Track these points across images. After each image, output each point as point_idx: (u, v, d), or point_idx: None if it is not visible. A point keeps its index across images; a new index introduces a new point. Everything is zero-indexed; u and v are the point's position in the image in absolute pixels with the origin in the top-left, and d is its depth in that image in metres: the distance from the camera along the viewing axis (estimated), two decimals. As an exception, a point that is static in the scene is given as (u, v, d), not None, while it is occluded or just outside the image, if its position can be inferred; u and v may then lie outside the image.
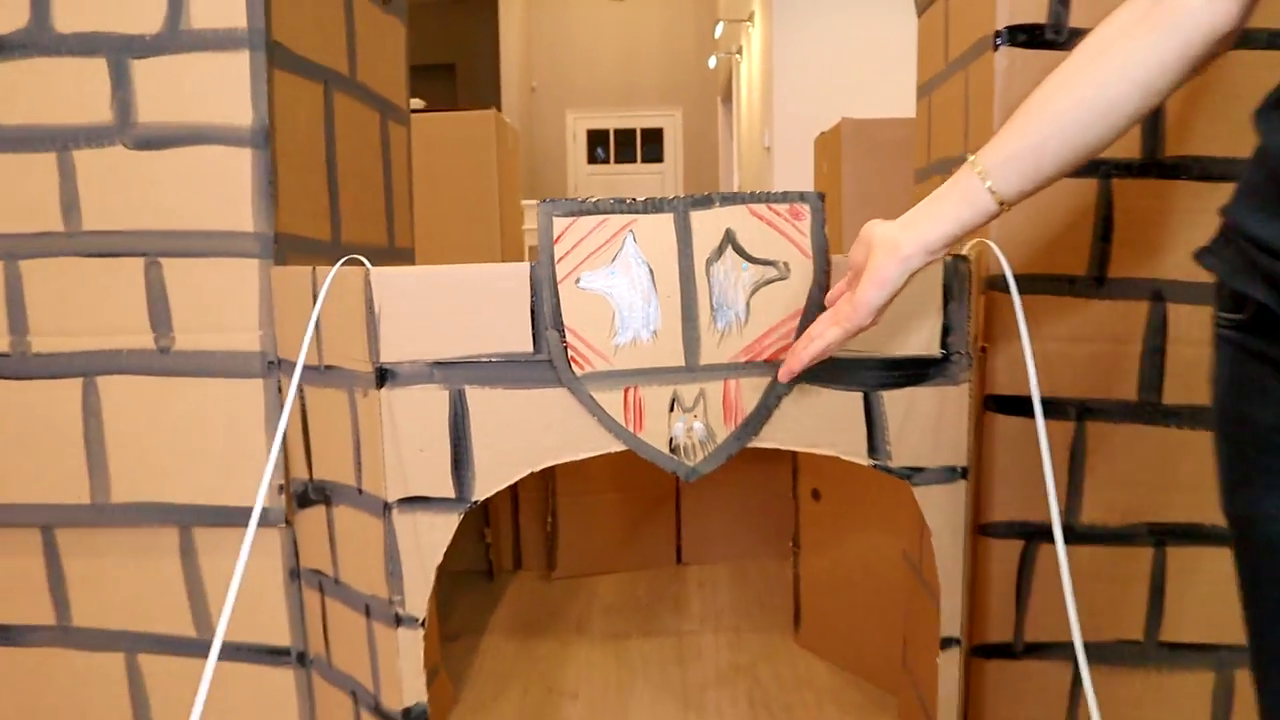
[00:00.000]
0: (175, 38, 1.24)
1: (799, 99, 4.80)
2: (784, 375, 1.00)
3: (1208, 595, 1.33)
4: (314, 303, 1.12)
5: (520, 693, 2.01)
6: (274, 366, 1.26)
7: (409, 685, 1.10)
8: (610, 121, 10.32)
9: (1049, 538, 1.27)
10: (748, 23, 6.16)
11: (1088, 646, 1.22)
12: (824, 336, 0.92)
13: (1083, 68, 0.79)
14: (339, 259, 1.16)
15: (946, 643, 1.17)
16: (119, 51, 1.25)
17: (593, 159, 10.39)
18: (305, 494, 1.25)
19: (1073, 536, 1.31)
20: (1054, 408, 1.29)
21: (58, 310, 1.29)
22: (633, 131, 10.34)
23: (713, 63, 8.54)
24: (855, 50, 4.75)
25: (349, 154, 1.50)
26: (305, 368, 1.17)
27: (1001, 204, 0.84)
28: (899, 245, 0.86)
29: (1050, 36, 1.24)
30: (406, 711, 1.11)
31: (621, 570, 2.65)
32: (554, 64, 10.42)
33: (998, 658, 1.36)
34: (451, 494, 1.06)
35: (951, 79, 1.47)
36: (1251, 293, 0.72)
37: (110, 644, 1.36)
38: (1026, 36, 1.24)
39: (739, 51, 6.85)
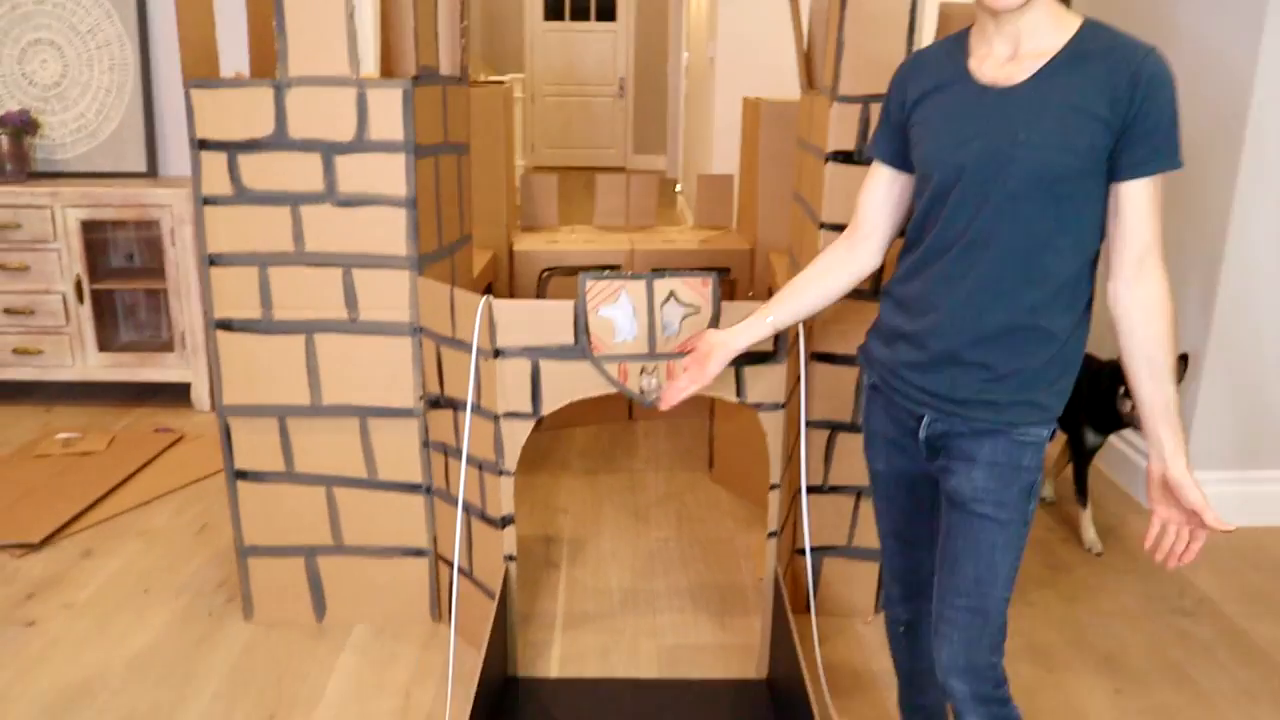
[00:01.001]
0: (362, 143, 2.17)
1: (744, 7, 5.53)
2: (664, 405, 1.82)
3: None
4: (450, 309, 2.10)
5: (529, 509, 3.10)
6: (417, 331, 2.25)
7: (505, 504, 2.15)
8: (566, -20, 10.81)
9: (845, 429, 2.34)
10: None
11: (851, 488, 2.31)
12: (685, 389, 1.76)
13: (812, 279, 1.67)
14: (444, 256, 2.13)
15: (773, 486, 2.24)
16: (329, 150, 2.17)
17: (549, 16, 10.91)
18: (437, 401, 2.27)
19: (856, 428, 2.38)
20: (840, 359, 2.33)
21: (290, 294, 2.26)
22: (587, -9, 10.86)
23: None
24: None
25: (445, 190, 2.44)
26: (441, 338, 2.16)
27: (774, 329, 1.71)
28: (726, 346, 1.72)
29: (856, 159, 2.21)
30: (504, 518, 2.16)
31: (590, 424, 3.72)
32: (513, -81, 10.79)
33: (815, 494, 2.44)
34: (529, 410, 2.09)
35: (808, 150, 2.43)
36: (868, 373, 1.64)
37: (317, 482, 2.39)
38: (843, 157, 2.22)
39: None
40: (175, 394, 4.06)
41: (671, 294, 1.99)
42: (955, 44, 1.51)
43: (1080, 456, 2.91)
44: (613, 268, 3.47)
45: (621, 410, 3.76)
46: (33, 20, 3.96)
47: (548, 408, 2.09)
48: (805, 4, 2.68)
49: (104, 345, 3.91)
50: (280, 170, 2.17)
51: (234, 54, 2.53)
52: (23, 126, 3.91)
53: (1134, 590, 2.69)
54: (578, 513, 3.08)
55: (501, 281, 3.51)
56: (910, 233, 1.55)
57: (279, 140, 2.16)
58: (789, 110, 3.29)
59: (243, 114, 2.15)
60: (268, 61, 2.43)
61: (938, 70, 1.50)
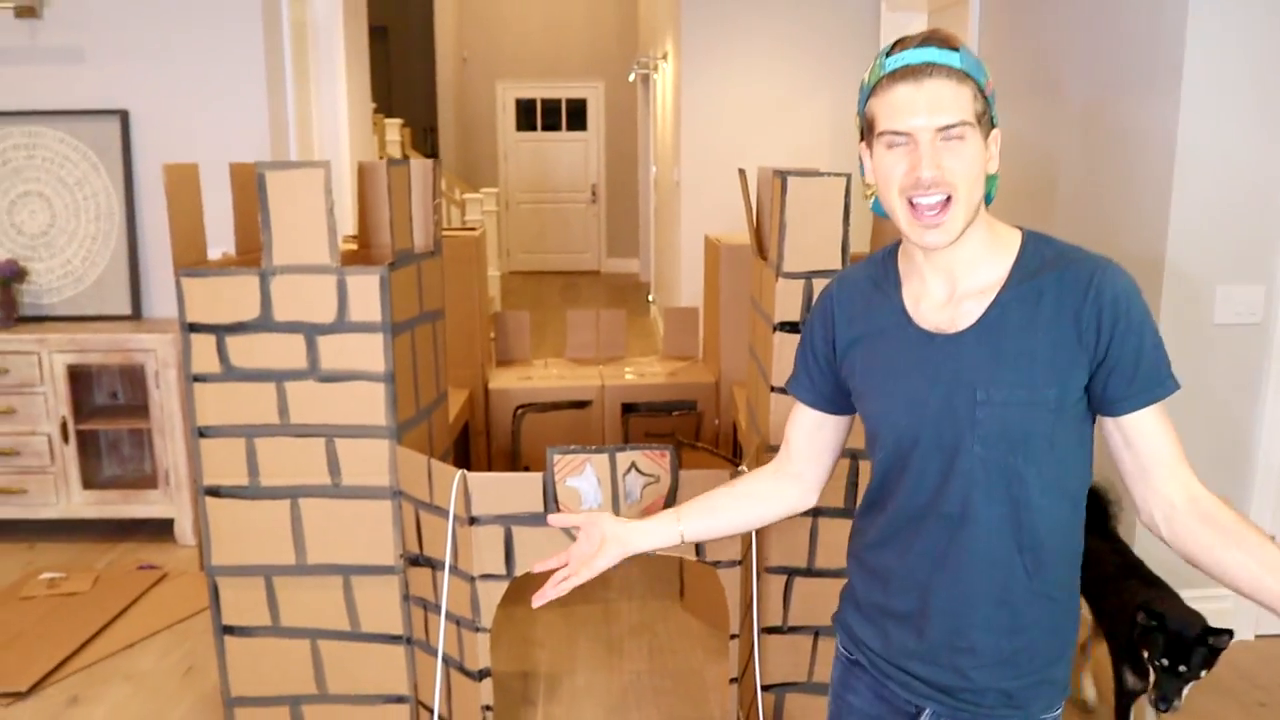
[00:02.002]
0: (343, 324, 2.34)
1: (705, 141, 5.81)
2: (537, 601, 1.46)
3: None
4: (429, 478, 2.25)
5: (506, 643, 3.21)
6: (397, 494, 2.39)
7: (482, 658, 2.28)
8: (538, 91, 11.21)
9: (802, 574, 2.49)
10: (661, 60, 7.16)
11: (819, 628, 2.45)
12: (568, 583, 1.44)
13: (733, 502, 1.50)
14: (422, 419, 2.28)
15: (733, 636, 2.38)
16: (311, 331, 2.34)
17: (521, 127, 11.27)
18: (416, 559, 2.41)
19: (812, 573, 2.52)
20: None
21: (275, 462, 2.40)
22: (558, 101, 11.25)
23: (631, 77, 9.47)
24: (756, 97, 5.78)
25: (421, 358, 2.60)
26: (420, 503, 2.31)
27: (683, 538, 1.48)
28: (621, 542, 1.45)
29: (801, 330, 2.40)
30: (481, 672, 2.28)
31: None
32: (484, 35, 11.21)
33: (775, 634, 2.58)
34: (504, 572, 2.23)
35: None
36: (849, 648, 1.46)
37: (302, 635, 2.51)
38: (790, 327, 2.40)
39: (655, 69, 7.83)
40: (158, 529, 4.15)
41: (633, 465, 2.15)
42: (883, 271, 1.37)
43: (1123, 695, 2.53)
44: (584, 404, 3.64)
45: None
46: (22, 174, 4.15)
47: (520, 570, 2.23)
48: (753, 179, 2.90)
49: (88, 483, 4.01)
50: (266, 350, 2.34)
51: (222, 230, 2.72)
52: (12, 275, 4.06)
53: None
54: (553, 646, 3.19)
55: (478, 419, 3.67)
56: (872, 492, 1.40)
57: (265, 322, 2.33)
58: (748, 253, 3.48)
59: (230, 299, 2.32)
60: (252, 240, 2.61)
61: (868, 307, 1.36)
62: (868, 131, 1.28)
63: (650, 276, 9.25)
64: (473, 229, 3.90)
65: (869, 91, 1.26)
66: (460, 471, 2.16)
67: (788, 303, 2.37)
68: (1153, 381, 1.23)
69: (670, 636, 3.27)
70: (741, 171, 2.85)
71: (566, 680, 3.01)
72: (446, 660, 2.38)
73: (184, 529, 4.05)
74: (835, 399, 1.44)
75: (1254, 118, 2.92)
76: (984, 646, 1.30)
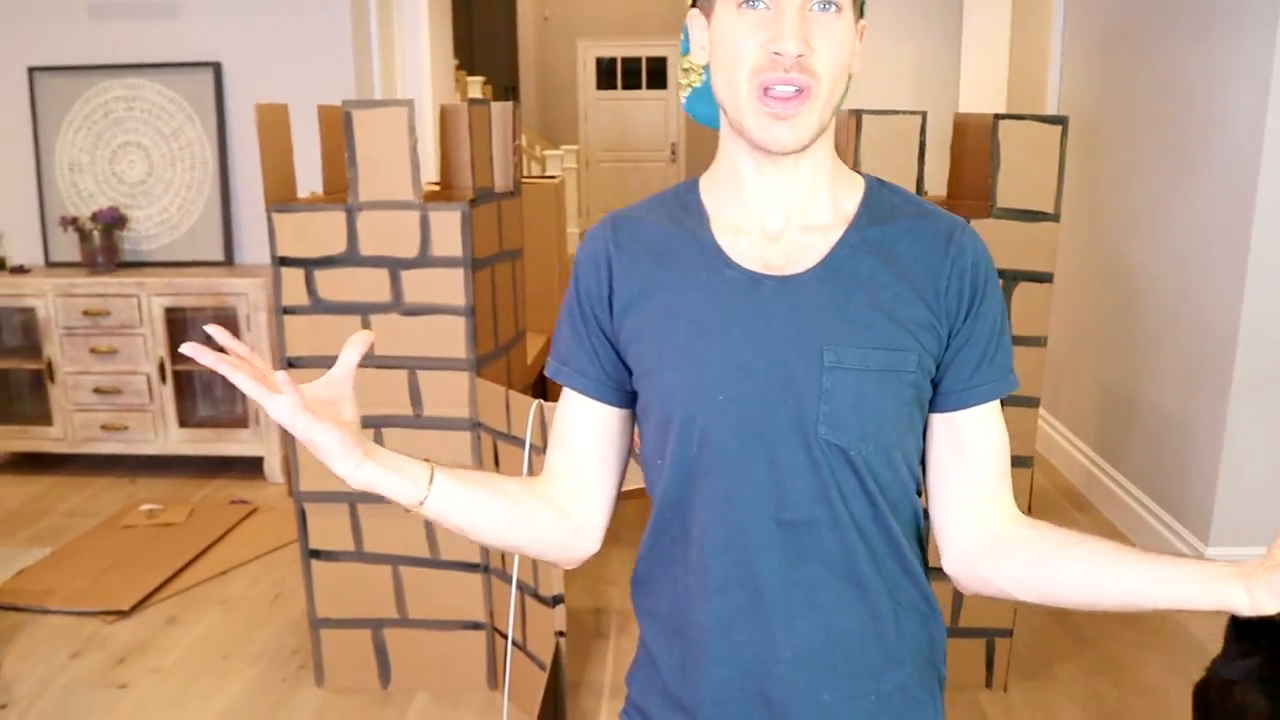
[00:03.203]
0: (425, 259, 2.41)
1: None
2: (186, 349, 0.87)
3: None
4: (506, 409, 2.32)
5: (580, 581, 3.28)
6: (476, 426, 2.47)
7: (556, 585, 2.35)
8: (618, 50, 11.21)
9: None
10: None
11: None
12: (230, 370, 0.89)
13: (497, 497, 1.02)
14: (501, 355, 2.36)
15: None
16: (395, 266, 2.42)
17: (601, 86, 11.29)
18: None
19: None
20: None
21: (360, 393, 2.48)
22: (639, 60, 11.24)
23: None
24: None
25: (501, 295, 2.67)
26: (497, 433, 2.38)
27: (424, 505, 0.97)
28: (356, 450, 0.97)
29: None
30: (555, 598, 2.36)
31: (641, 496, 3.91)
32: (566, -5, 11.24)
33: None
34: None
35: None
36: None
37: (384, 562, 2.61)
38: (862, 264, 2.41)
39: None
40: (249, 467, 4.33)
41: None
42: (680, 205, 1.04)
43: None
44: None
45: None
46: (123, 125, 4.32)
47: (592, 498, 2.30)
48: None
49: (184, 421, 4.20)
50: (352, 283, 2.42)
51: (310, 174, 2.81)
52: (113, 222, 4.25)
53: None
54: (626, 584, 3.26)
55: (552, 363, 3.74)
56: (663, 510, 1.02)
57: (351, 257, 2.42)
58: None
59: (318, 234, 2.41)
60: (339, 180, 2.69)
61: (661, 248, 1.02)
62: None
63: (727, 235, 9.23)
64: (553, 178, 3.95)
65: None
66: (537, 401, 2.23)
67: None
68: (1002, 370, 1.00)
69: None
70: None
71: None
72: (521, 587, 2.47)
73: (273, 467, 4.22)
74: (621, 383, 1.05)
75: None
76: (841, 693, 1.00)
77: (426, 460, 1.01)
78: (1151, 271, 3.49)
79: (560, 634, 2.38)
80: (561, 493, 1.06)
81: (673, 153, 11.32)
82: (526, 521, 1.03)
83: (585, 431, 1.06)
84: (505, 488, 1.04)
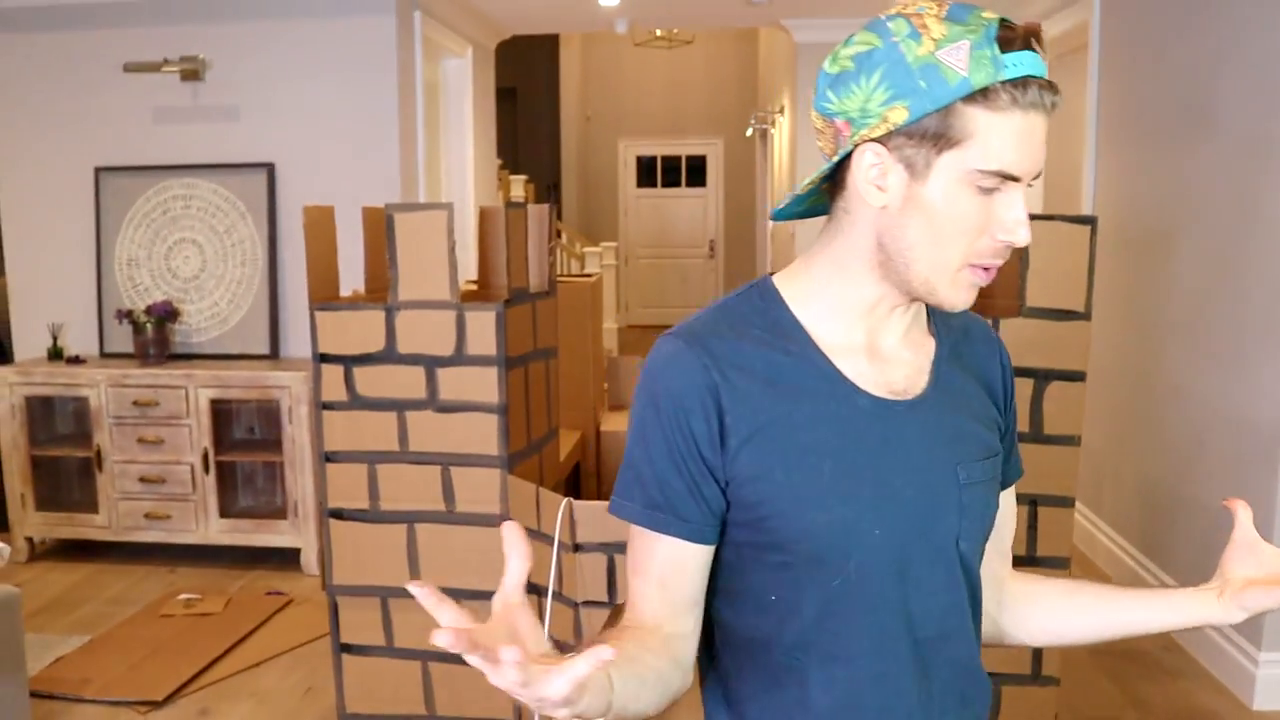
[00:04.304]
0: (461, 357, 2.47)
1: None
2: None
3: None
4: (537, 506, 2.35)
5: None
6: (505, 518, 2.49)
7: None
8: (658, 149, 11.47)
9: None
10: (777, 114, 7.28)
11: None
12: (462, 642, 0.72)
13: (648, 679, 0.92)
14: (533, 452, 2.39)
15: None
16: (431, 363, 2.48)
17: (641, 183, 11.53)
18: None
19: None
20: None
21: (394, 488, 2.54)
22: (678, 158, 11.48)
23: (749, 131, 9.65)
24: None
25: (534, 393, 2.72)
26: (528, 530, 2.40)
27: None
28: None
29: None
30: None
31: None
32: (607, 95, 11.56)
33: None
34: (606, 598, 2.30)
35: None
36: None
37: (414, 656, 2.62)
38: (891, 364, 2.43)
39: (772, 123, 7.96)
40: (286, 558, 4.37)
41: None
42: (770, 320, 0.99)
43: None
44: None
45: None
46: (180, 222, 4.49)
47: (623, 597, 2.30)
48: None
49: (224, 511, 4.26)
50: (389, 380, 2.49)
51: (355, 272, 2.91)
52: (165, 315, 4.38)
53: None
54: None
55: (589, 461, 3.77)
56: (782, 642, 0.98)
57: (389, 354, 2.48)
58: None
59: (359, 332, 2.49)
60: (381, 278, 2.78)
61: (773, 373, 0.96)
62: (922, 137, 0.89)
63: (766, 330, 9.28)
64: (589, 275, 4.04)
65: (966, 92, 0.86)
66: (566, 499, 2.25)
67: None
68: (1018, 455, 1.11)
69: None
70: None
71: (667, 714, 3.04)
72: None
73: (309, 559, 4.25)
74: (719, 519, 0.98)
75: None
76: None
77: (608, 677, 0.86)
78: (1192, 369, 3.47)
79: (587, 734, 2.36)
80: (672, 639, 0.99)
81: (711, 249, 11.47)
82: (665, 684, 0.96)
83: (686, 574, 0.98)
84: (645, 660, 0.94)
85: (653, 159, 11.51)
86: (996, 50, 0.86)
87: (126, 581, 4.17)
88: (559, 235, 9.10)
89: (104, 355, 4.53)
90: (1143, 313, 3.87)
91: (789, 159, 6.40)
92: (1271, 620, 3.02)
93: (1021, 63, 0.86)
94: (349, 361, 2.50)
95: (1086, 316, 2.43)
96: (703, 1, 5.39)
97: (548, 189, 11.12)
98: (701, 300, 11.51)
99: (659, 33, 9.11)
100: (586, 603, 2.31)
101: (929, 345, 1.02)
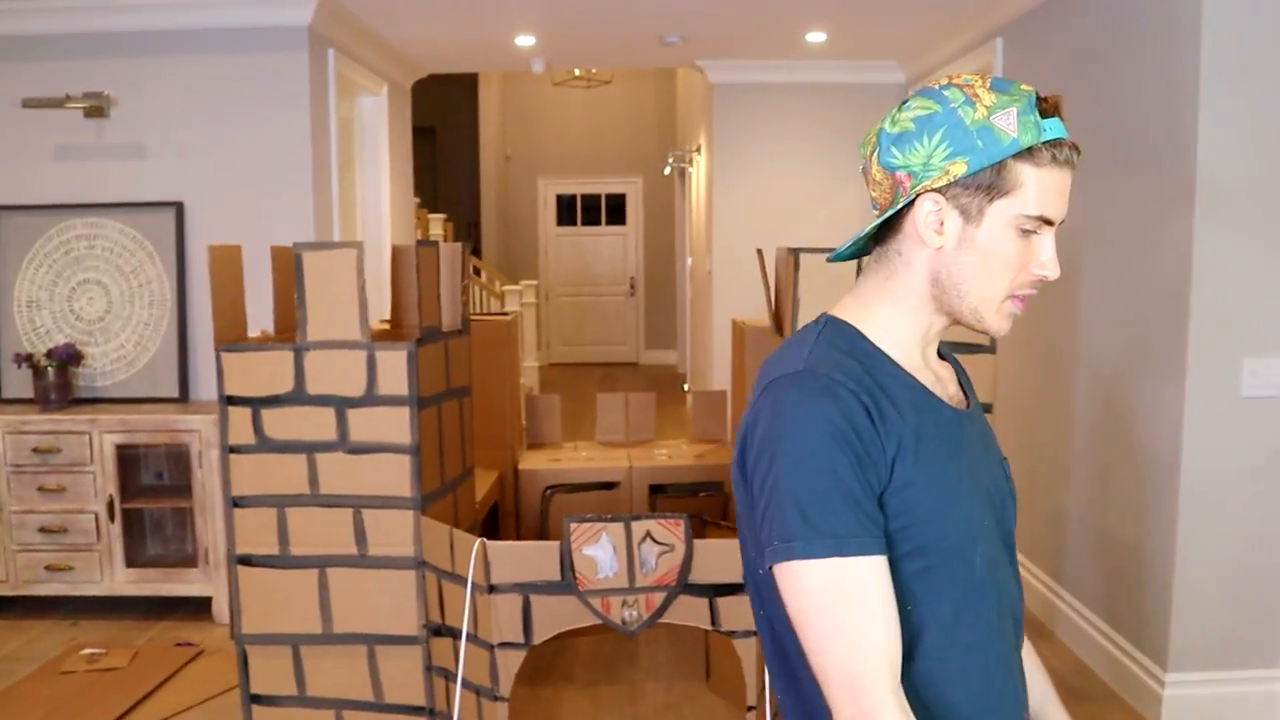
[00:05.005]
0: (372, 398, 2.44)
1: (737, 230, 5.96)
2: None
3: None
4: (450, 547, 2.32)
5: (533, 722, 3.21)
6: (421, 564, 2.46)
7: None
8: (578, 187, 11.52)
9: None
10: (695, 153, 7.38)
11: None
12: None
13: None
14: (447, 492, 2.35)
15: (750, 708, 2.39)
16: (341, 404, 2.44)
17: (561, 221, 11.55)
18: (439, 630, 2.45)
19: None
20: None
21: (305, 532, 2.48)
22: (598, 197, 11.54)
23: (667, 170, 9.75)
24: (787, 186, 5.93)
25: (448, 432, 2.69)
26: (441, 572, 2.36)
27: None
28: None
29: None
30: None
31: (594, 633, 3.86)
32: (527, 134, 11.59)
33: None
34: (522, 640, 2.27)
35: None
36: None
37: (327, 706, 2.55)
38: (803, 398, 2.46)
39: (690, 162, 8.06)
40: (197, 608, 4.23)
41: (648, 534, 2.20)
42: (859, 357, 1.10)
43: None
44: (612, 485, 3.69)
45: (623, 617, 3.90)
46: (83, 262, 4.36)
47: (539, 638, 2.28)
48: (771, 257, 3.00)
49: (131, 561, 4.11)
50: (298, 422, 2.44)
51: (266, 313, 2.86)
52: (68, 359, 4.24)
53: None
54: (578, 726, 3.19)
55: (508, 500, 3.73)
56: (934, 637, 1.07)
57: (298, 395, 2.44)
58: (770, 335, 3.56)
59: (266, 373, 2.44)
60: (290, 319, 2.73)
61: (895, 399, 1.07)
62: (977, 188, 1.06)
63: (687, 367, 9.34)
64: (505, 314, 4.02)
65: (1015, 150, 1.04)
66: (480, 539, 2.23)
67: (801, 377, 2.43)
68: None
69: (696, 717, 3.25)
70: (759, 251, 2.95)
71: (589, 759, 3.00)
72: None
73: (221, 608, 4.12)
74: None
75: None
76: None
77: None
78: (1097, 400, 3.58)
79: (506, 780, 2.32)
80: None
81: (631, 286, 11.52)
82: None
83: (891, 593, 1.02)
84: None
85: (573, 197, 11.55)
86: (1038, 116, 1.04)
87: (24, 638, 3.99)
88: (478, 273, 9.06)
89: (2, 401, 4.36)
90: (1048, 344, 3.98)
91: (706, 197, 6.48)
92: (1176, 642, 3.10)
93: (1054, 127, 1.05)
94: (257, 403, 2.45)
95: (992, 350, 2.49)
96: (618, 42, 5.45)
97: (467, 228, 11.08)
98: (623, 338, 11.55)
99: (578, 72, 9.19)
100: (502, 644, 2.28)
101: (947, 365, 1.21)
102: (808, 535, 0.98)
